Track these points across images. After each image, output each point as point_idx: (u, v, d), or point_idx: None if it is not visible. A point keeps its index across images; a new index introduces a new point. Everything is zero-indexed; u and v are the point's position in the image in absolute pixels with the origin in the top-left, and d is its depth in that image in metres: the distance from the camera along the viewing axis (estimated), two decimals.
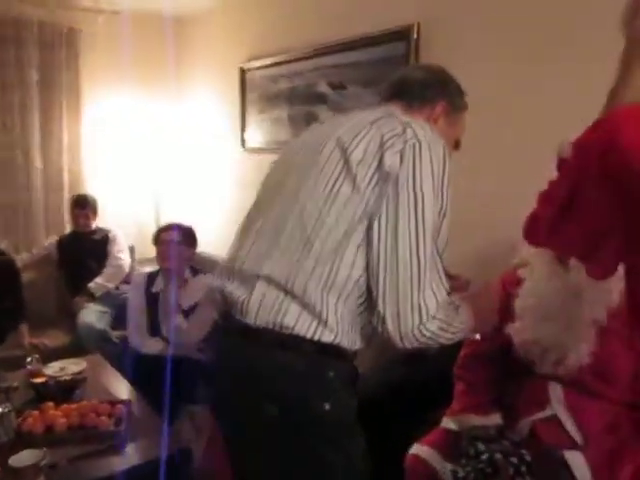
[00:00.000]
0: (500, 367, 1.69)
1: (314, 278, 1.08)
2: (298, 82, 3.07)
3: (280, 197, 1.19)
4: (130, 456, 1.80)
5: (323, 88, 2.90)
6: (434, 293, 1.05)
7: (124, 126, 3.87)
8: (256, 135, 3.47)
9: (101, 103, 3.85)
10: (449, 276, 1.29)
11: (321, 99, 2.92)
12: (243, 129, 3.54)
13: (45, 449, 1.64)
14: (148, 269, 3.04)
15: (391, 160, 1.06)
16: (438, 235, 1.09)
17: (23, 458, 1.60)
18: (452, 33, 2.27)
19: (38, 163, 3.64)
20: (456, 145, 1.36)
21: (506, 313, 1.58)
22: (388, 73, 2.48)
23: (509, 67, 2.07)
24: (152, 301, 2.61)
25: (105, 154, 3.91)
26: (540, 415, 1.54)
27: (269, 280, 1.11)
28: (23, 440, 1.78)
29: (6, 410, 1.88)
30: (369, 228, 1.07)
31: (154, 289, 2.62)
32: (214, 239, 3.88)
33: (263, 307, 1.10)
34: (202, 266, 2.87)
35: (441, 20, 2.30)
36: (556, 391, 1.55)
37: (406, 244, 1.04)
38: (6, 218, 3.60)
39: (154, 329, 2.59)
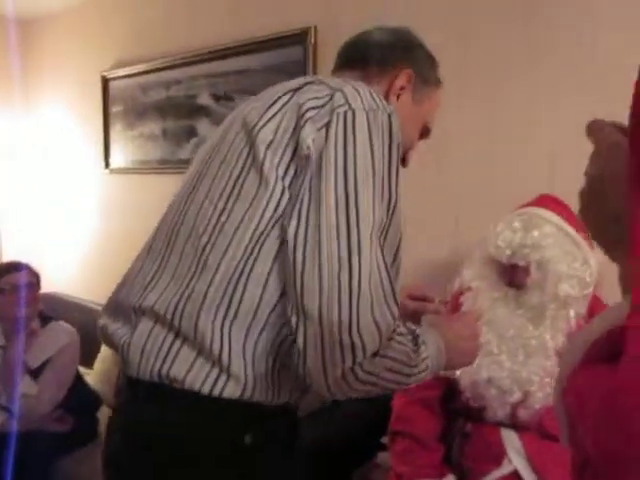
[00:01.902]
0: (442, 417, 1.43)
1: (208, 307, 0.76)
2: (174, 92, 2.68)
3: (174, 206, 0.90)
4: None
5: (204, 99, 2.55)
6: (376, 321, 0.71)
7: None
8: (123, 154, 2.99)
9: None
10: (416, 297, 1.00)
11: (203, 112, 2.56)
12: (107, 147, 3.04)
13: None
14: None
15: (312, 138, 0.77)
16: (385, 238, 0.78)
17: None
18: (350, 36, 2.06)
19: None
20: (424, 132, 1.05)
21: None
22: (282, 81, 2.24)
23: None
24: None
25: None
26: (497, 473, 1.29)
27: (153, 315, 0.81)
28: None
29: None
30: (283, 232, 0.76)
31: None
32: (69, 276, 3.29)
33: (146, 355, 0.79)
34: (54, 312, 2.32)
35: (340, 23, 2.09)
36: (512, 440, 1.32)
37: (333, 254, 0.71)
38: None
39: None
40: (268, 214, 0.78)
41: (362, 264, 0.71)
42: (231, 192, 0.81)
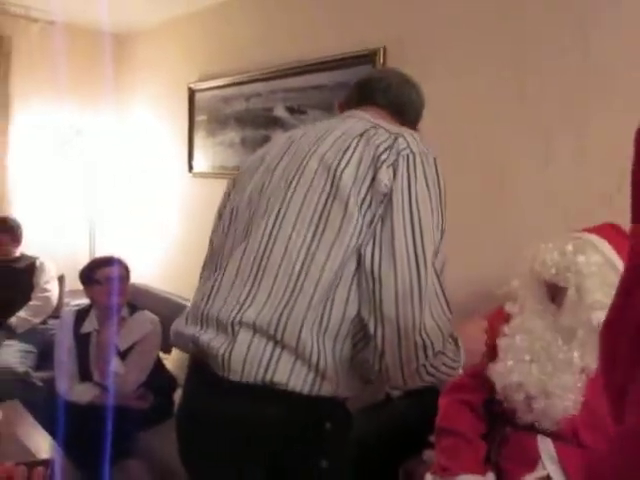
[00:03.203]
0: (485, 420, 1.53)
1: (307, 322, 0.92)
2: (253, 105, 2.90)
3: (256, 228, 1.02)
4: None
5: (280, 112, 2.74)
6: (438, 325, 0.90)
7: (58, 145, 3.55)
8: (205, 159, 3.25)
9: (32, 116, 3.52)
10: None
11: (277, 123, 2.76)
12: (191, 153, 3.31)
13: None
14: (79, 302, 2.73)
15: (386, 176, 0.93)
16: (436, 256, 0.94)
17: None
18: (419, 57, 2.19)
19: None
20: None
21: (491, 353, 1.43)
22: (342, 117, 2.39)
23: (476, 90, 2.00)
24: (82, 343, 2.29)
25: (34, 174, 3.56)
26: (531, 477, 1.37)
27: (254, 328, 0.94)
28: None
29: None
30: (361, 255, 0.92)
31: (84, 330, 2.31)
32: (154, 270, 3.60)
33: (249, 361, 0.93)
34: (139, 302, 2.59)
35: (407, 44, 2.22)
36: (547, 446, 1.40)
37: (404, 271, 0.89)
38: None
39: (85, 374, 2.27)
40: (352, 244, 0.93)
41: (427, 280, 0.89)
42: (317, 225, 0.95)
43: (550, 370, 1.37)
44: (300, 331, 0.92)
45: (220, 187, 3.11)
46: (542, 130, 1.85)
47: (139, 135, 3.79)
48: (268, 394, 0.93)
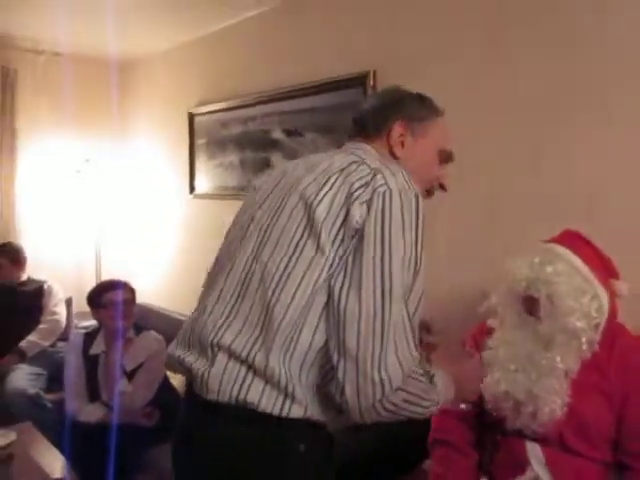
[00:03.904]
0: (476, 429, 1.59)
1: (275, 348, 0.96)
2: (251, 127, 3.00)
3: (241, 256, 1.07)
4: None
5: (277, 134, 2.83)
6: (400, 362, 0.92)
7: (63, 171, 3.66)
8: (205, 181, 3.35)
9: (39, 146, 3.64)
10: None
11: (275, 145, 2.85)
12: (192, 175, 3.41)
13: None
14: (87, 323, 2.81)
15: (358, 213, 0.95)
16: (409, 295, 0.96)
17: None
18: (408, 80, 2.25)
19: None
20: (447, 157, 1.23)
21: None
22: (345, 119, 2.48)
23: (467, 113, 2.06)
24: (91, 364, 2.37)
25: (42, 199, 3.67)
26: (521, 479, 1.43)
27: (229, 352, 0.99)
28: None
29: None
30: (329, 287, 0.96)
31: (93, 351, 2.39)
32: (158, 289, 3.68)
33: (224, 383, 0.98)
34: (145, 321, 2.67)
35: (396, 67, 2.31)
36: (535, 451, 1.45)
37: (369, 307, 0.92)
38: None
39: (93, 394, 2.34)
40: (323, 276, 0.96)
41: (391, 317, 0.92)
42: (291, 257, 0.98)
43: (535, 377, 1.44)
44: (268, 357, 0.96)
45: (220, 207, 3.25)
46: (531, 149, 1.92)
47: (142, 159, 3.89)
48: (241, 413, 0.97)
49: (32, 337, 3.06)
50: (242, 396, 0.96)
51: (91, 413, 2.28)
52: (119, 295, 2.33)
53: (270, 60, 2.89)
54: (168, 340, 2.49)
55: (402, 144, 1.16)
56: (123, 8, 2.80)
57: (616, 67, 1.71)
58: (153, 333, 2.48)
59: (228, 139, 3.15)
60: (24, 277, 3.24)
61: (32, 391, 2.82)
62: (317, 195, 1.00)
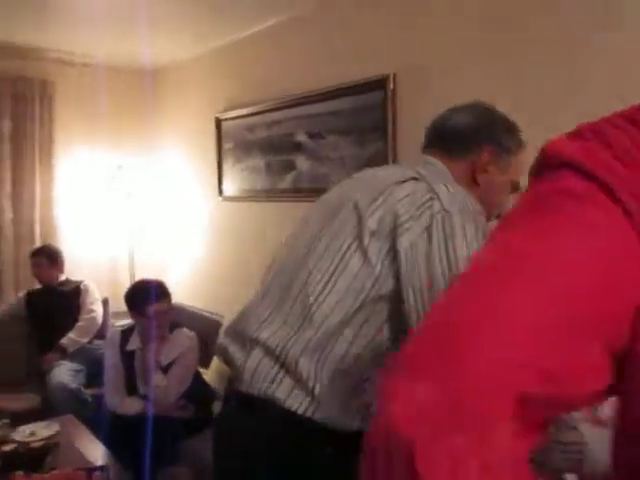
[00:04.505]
0: None
1: (308, 351, 1.00)
2: (275, 131, 3.10)
3: (291, 259, 1.12)
4: None
5: (301, 137, 2.92)
6: None
7: (98, 177, 3.82)
8: (233, 184, 3.46)
9: (75, 155, 3.81)
10: None
11: (299, 148, 2.94)
12: (220, 178, 3.53)
13: None
14: (122, 322, 2.94)
15: (408, 242, 0.95)
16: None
17: None
18: (427, 82, 2.33)
19: (8, 214, 3.54)
20: (514, 188, 1.20)
21: None
22: (366, 121, 2.56)
23: None
24: (128, 359, 2.51)
25: (79, 205, 3.84)
26: None
27: (265, 348, 1.04)
28: None
29: None
30: (391, 305, 0.99)
31: (129, 347, 2.52)
32: (188, 288, 3.81)
33: (256, 376, 1.03)
34: (178, 319, 2.80)
35: (416, 70, 2.37)
36: None
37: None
38: None
39: (131, 388, 2.48)
40: (367, 286, 0.98)
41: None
42: (337, 267, 1.00)
43: None
44: (300, 358, 1.00)
45: (247, 209, 3.36)
46: None
47: (172, 164, 4.03)
48: (269, 408, 1.01)
49: (71, 334, 3.22)
50: (270, 391, 1.01)
51: (129, 406, 2.41)
52: (159, 307, 2.44)
53: (294, 65, 2.98)
54: (198, 337, 2.62)
55: (485, 171, 1.14)
56: (152, 17, 2.92)
57: None
58: (186, 330, 2.61)
59: (254, 143, 3.26)
60: (62, 278, 3.41)
61: (73, 386, 2.98)
62: (369, 207, 1.00)
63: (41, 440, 2.07)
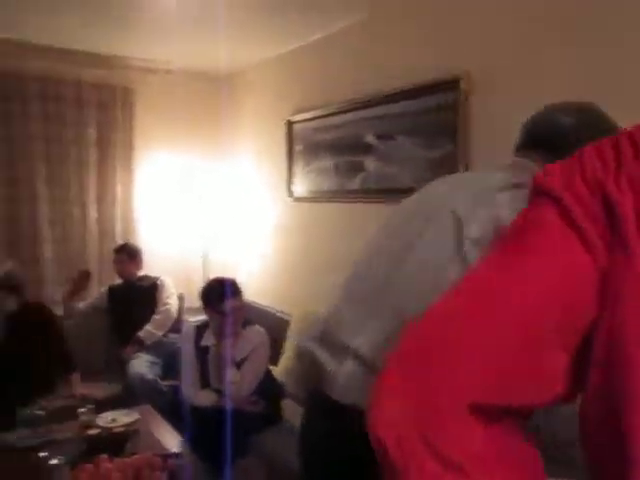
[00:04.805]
0: None
1: None
2: (344, 133, 3.13)
3: (381, 267, 1.08)
4: None
5: (369, 138, 2.94)
6: None
7: (175, 179, 4.00)
8: (302, 185, 3.52)
9: (153, 158, 4.01)
10: None
11: (367, 149, 2.96)
12: (290, 180, 3.60)
13: None
14: (196, 318, 3.06)
15: None
16: None
17: None
18: (503, 83, 2.28)
19: (93, 214, 3.78)
20: None
21: None
22: (436, 122, 2.54)
23: None
24: (202, 354, 2.62)
25: (157, 205, 4.04)
26: None
27: (358, 356, 1.03)
28: None
29: (60, 462, 1.89)
30: None
31: (204, 342, 2.63)
32: (257, 287, 3.91)
33: (348, 386, 1.02)
34: (250, 316, 2.88)
35: (491, 70, 2.32)
36: None
37: None
38: (62, 269, 3.71)
39: (205, 381, 2.58)
40: None
41: None
42: (435, 276, 0.94)
43: None
44: None
45: (316, 210, 3.41)
46: None
47: (244, 165, 4.16)
48: (361, 418, 1.00)
49: (148, 327, 3.40)
50: (363, 401, 0.99)
51: (203, 398, 2.51)
52: (233, 304, 2.53)
53: (363, 67, 3.00)
54: (269, 334, 2.69)
55: None
56: (227, 24, 3.02)
57: None
58: (258, 327, 2.69)
59: (323, 145, 3.31)
60: (141, 273, 3.60)
61: (150, 377, 3.14)
62: (470, 214, 0.95)
63: (122, 426, 2.20)
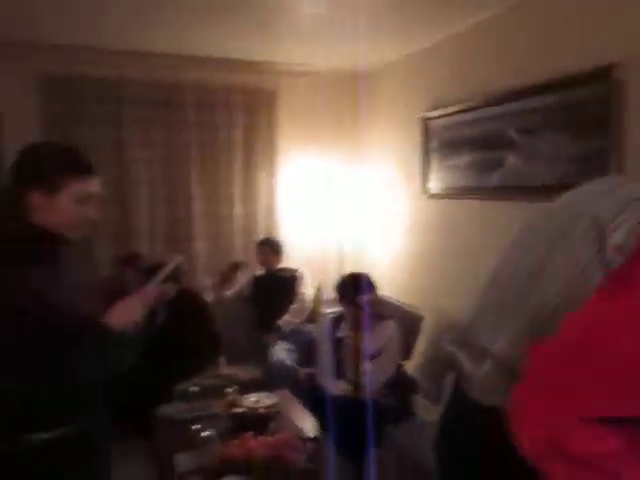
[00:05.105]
0: None
1: None
2: (483, 128, 3.05)
3: (520, 272, 1.09)
4: None
5: (511, 134, 2.84)
6: None
7: (313, 177, 4.18)
8: (438, 182, 3.50)
9: (293, 155, 4.22)
10: None
11: (508, 145, 2.86)
12: (425, 176, 3.60)
13: (247, 476, 1.79)
14: (332, 310, 3.19)
15: None
16: None
17: None
18: None
19: (238, 210, 4.09)
20: None
21: None
22: (585, 116, 2.39)
23: None
24: (337, 345, 2.74)
25: (297, 202, 4.26)
26: None
27: (497, 360, 1.06)
28: (226, 466, 1.95)
29: (210, 435, 2.10)
30: None
31: (339, 334, 2.75)
32: (392, 282, 3.95)
33: (487, 386, 1.07)
34: (383, 311, 2.94)
35: None
36: None
37: None
38: (212, 261, 4.07)
39: (340, 371, 2.70)
40: None
41: None
42: (574, 285, 0.94)
43: None
44: None
45: (452, 207, 3.38)
46: None
47: (380, 162, 4.22)
48: (498, 418, 0.96)
49: (287, 316, 3.61)
50: (500, 403, 0.97)
51: (338, 387, 2.63)
52: (367, 298, 2.62)
53: (503, 60, 2.90)
54: (402, 329, 2.73)
55: None
56: (364, 23, 3.08)
57: None
58: (391, 322, 2.75)
59: (460, 141, 3.25)
60: (282, 265, 3.83)
61: (290, 363, 3.34)
62: (613, 222, 0.93)
63: (265, 407, 2.38)
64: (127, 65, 3.67)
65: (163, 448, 2.27)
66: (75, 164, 1.36)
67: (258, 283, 3.84)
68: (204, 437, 2.09)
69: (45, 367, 1.23)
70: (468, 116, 3.16)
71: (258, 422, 2.28)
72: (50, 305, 1.27)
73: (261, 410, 2.35)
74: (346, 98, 4.25)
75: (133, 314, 1.38)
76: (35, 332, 1.22)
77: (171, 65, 3.77)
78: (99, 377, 1.43)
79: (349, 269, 3.39)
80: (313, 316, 3.72)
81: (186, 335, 3.32)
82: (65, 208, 1.33)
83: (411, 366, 2.91)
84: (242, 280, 3.92)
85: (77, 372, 1.31)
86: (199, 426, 2.22)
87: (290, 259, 3.93)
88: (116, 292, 3.14)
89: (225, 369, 3.35)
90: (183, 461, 2.05)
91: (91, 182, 1.37)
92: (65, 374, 1.27)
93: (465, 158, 3.22)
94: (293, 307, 3.66)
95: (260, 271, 3.90)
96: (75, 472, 1.37)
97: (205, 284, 3.94)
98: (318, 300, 3.57)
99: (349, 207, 4.21)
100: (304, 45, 3.58)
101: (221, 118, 3.98)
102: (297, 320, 3.63)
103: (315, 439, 2.15)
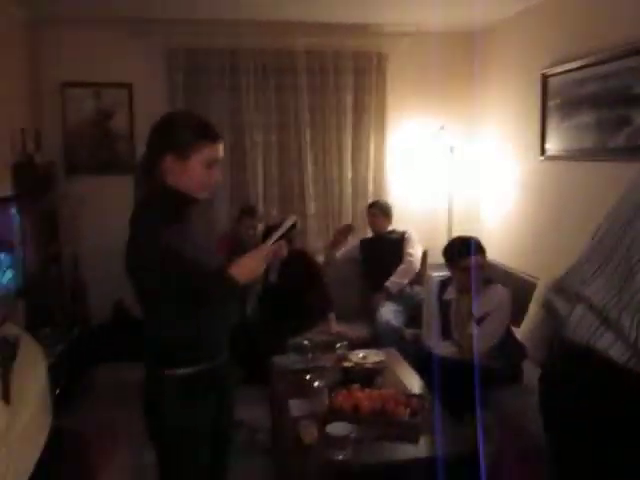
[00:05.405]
0: None
1: (629, 309, 1.06)
2: (609, 84, 2.84)
3: (617, 223, 1.18)
4: (422, 448, 1.96)
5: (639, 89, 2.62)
6: None
7: (423, 138, 4.14)
8: (557, 143, 3.32)
9: (403, 119, 4.21)
10: None
11: (637, 101, 2.64)
12: (543, 137, 3.42)
13: (353, 425, 1.91)
14: (439, 273, 3.20)
15: None
16: None
17: (336, 429, 1.90)
18: None
19: (348, 174, 4.17)
20: None
21: None
22: None
23: None
24: (444, 307, 2.76)
25: (406, 165, 4.25)
26: None
27: (589, 304, 1.14)
28: (334, 414, 2.09)
29: (321, 385, 2.24)
30: None
31: (446, 296, 2.76)
32: (502, 246, 3.86)
33: (579, 328, 1.15)
34: (492, 274, 2.90)
35: None
36: None
37: None
38: (322, 222, 4.23)
39: (446, 333, 2.73)
40: None
41: None
42: None
43: None
44: (621, 314, 1.07)
45: (572, 170, 3.21)
46: None
47: (493, 122, 4.07)
48: (590, 356, 1.11)
49: (394, 277, 3.67)
50: (592, 342, 1.10)
51: (444, 349, 2.67)
52: (475, 261, 2.60)
53: (629, 9, 2.65)
54: (513, 294, 2.69)
55: None
56: None
57: None
58: (500, 287, 2.71)
59: (584, 98, 3.04)
60: (390, 228, 3.89)
61: (396, 324, 3.43)
62: None
63: (372, 363, 2.49)
64: (242, 35, 3.84)
65: (279, 394, 2.46)
66: (205, 132, 1.49)
67: (366, 245, 3.92)
68: (315, 387, 2.24)
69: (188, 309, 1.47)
70: (593, 71, 2.95)
71: (365, 376, 2.39)
72: (186, 259, 1.43)
73: (368, 365, 2.46)
74: (458, 58, 4.13)
75: (256, 269, 1.50)
76: (173, 285, 1.41)
77: (282, 32, 3.88)
78: (224, 324, 1.60)
79: (458, 232, 3.37)
80: (420, 278, 3.75)
81: (299, 294, 3.51)
82: (194, 171, 1.47)
83: (521, 332, 2.86)
84: (352, 242, 4.02)
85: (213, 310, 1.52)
86: (311, 376, 2.38)
87: (400, 222, 3.96)
88: (235, 246, 3.40)
89: (335, 326, 3.50)
90: (297, 406, 2.22)
91: (218, 148, 1.50)
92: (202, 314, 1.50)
93: (587, 117, 3.02)
94: (401, 268, 3.71)
95: (369, 233, 3.98)
96: (204, 401, 1.56)
97: (316, 245, 4.10)
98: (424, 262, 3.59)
99: (461, 168, 4.12)
100: (415, 5, 3.51)
101: (331, 82, 4.05)
102: (404, 281, 3.67)
103: (420, 396, 2.22)
